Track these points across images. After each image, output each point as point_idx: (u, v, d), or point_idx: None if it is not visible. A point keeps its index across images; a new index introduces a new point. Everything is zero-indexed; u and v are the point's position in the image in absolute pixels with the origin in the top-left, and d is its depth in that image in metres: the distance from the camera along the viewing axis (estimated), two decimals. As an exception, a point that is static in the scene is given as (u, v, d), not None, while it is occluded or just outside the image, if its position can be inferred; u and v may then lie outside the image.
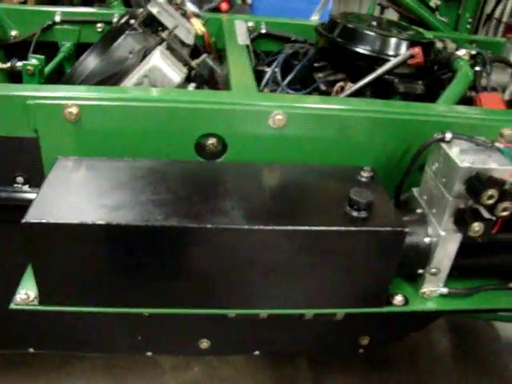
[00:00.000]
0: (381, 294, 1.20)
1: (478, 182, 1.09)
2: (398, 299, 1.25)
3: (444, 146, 1.17)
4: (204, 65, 1.76)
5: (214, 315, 1.42)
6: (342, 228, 1.06)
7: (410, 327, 1.73)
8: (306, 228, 1.05)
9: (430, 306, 1.27)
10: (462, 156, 1.13)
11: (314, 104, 1.31)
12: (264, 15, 2.23)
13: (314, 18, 2.41)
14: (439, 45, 1.89)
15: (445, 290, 1.27)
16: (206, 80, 1.76)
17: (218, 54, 1.95)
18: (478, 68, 1.72)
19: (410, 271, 1.27)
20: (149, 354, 1.73)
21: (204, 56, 1.58)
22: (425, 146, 1.19)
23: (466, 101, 1.69)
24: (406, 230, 1.09)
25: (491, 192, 1.07)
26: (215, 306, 1.20)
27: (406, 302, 1.25)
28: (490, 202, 1.08)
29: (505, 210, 1.10)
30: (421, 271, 1.24)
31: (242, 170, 1.23)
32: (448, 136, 1.17)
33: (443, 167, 1.17)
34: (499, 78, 1.85)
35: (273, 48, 2.04)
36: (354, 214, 1.09)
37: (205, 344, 1.64)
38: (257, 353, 1.69)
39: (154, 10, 1.57)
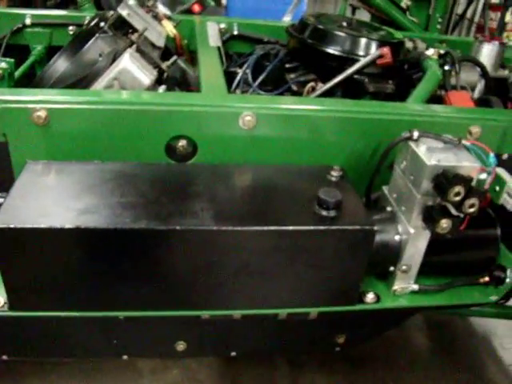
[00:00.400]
0: (352, 292, 1.21)
1: (444, 180, 1.10)
2: (370, 297, 1.26)
3: (412, 144, 1.18)
4: (176, 67, 1.76)
5: (187, 317, 1.41)
6: (311, 227, 1.07)
7: (385, 324, 1.74)
8: (276, 228, 1.06)
9: (402, 302, 1.29)
10: (429, 154, 1.14)
11: (283, 104, 1.31)
12: (238, 17, 2.23)
13: (287, 19, 2.41)
14: (409, 44, 1.92)
15: (416, 287, 1.28)
16: (179, 82, 1.76)
17: (191, 56, 1.95)
18: (447, 67, 1.74)
19: (381, 269, 1.28)
20: (125, 357, 1.72)
21: (174, 58, 1.58)
22: (393, 144, 1.21)
23: (435, 99, 1.72)
24: (375, 228, 1.10)
25: (458, 189, 1.09)
26: (188, 308, 1.20)
27: (378, 299, 1.27)
28: (457, 198, 1.10)
29: (472, 206, 1.12)
30: (392, 269, 1.26)
31: (212, 172, 1.23)
32: (415, 134, 1.18)
33: (411, 165, 1.18)
34: (468, 76, 1.88)
35: (245, 49, 2.04)
36: (324, 213, 1.09)
37: (181, 346, 1.64)
38: (234, 354, 1.69)
39: (124, 13, 1.57)
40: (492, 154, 1.17)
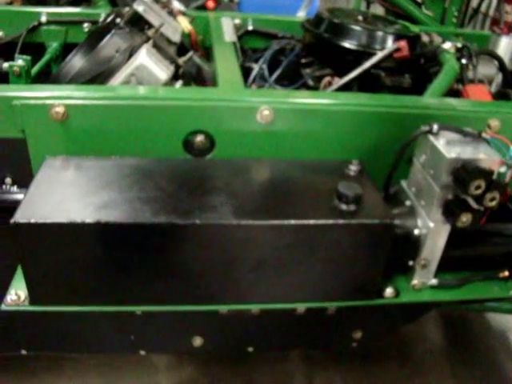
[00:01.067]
0: (371, 287, 1.20)
1: (465, 173, 1.09)
2: (389, 291, 1.25)
3: (431, 137, 1.17)
4: (191, 62, 1.76)
5: (205, 312, 1.41)
6: (331, 221, 1.06)
7: (402, 319, 1.73)
8: (295, 222, 1.05)
9: (421, 297, 1.28)
10: (449, 147, 1.13)
11: (301, 99, 1.31)
12: (251, 12, 2.23)
13: (301, 15, 2.41)
14: (425, 38, 1.90)
15: (435, 282, 1.27)
16: (194, 77, 1.76)
17: (206, 52, 1.95)
18: (464, 61, 1.73)
19: (400, 263, 1.27)
20: (142, 352, 1.72)
21: (191, 53, 1.58)
22: (412, 138, 1.20)
23: (453, 93, 1.70)
24: (395, 222, 1.09)
25: (478, 182, 1.07)
26: (207, 303, 1.21)
27: (397, 294, 1.26)
28: (478, 192, 1.09)
29: (492, 199, 1.11)
30: (411, 263, 1.25)
31: (230, 166, 1.23)
32: (435, 128, 1.17)
33: (430, 159, 1.17)
34: (486, 70, 1.86)
35: (260, 45, 2.04)
36: (343, 207, 1.09)
37: (198, 342, 1.64)
38: (250, 350, 1.69)
39: (140, 9, 1.57)
40: (512, 147, 1.16)
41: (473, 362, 2.36)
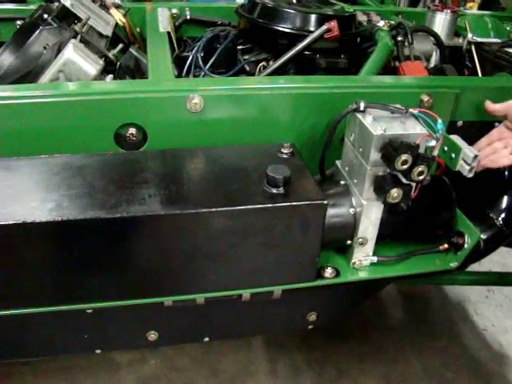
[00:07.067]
0: (310, 268, 1.21)
1: (391, 149, 1.10)
2: (329, 272, 1.26)
3: (358, 115, 1.18)
4: (129, 55, 1.74)
5: (152, 306, 1.40)
6: (260, 205, 1.06)
7: (355, 298, 1.75)
8: (225, 209, 1.05)
9: (362, 275, 1.29)
10: (376, 124, 1.14)
11: (230, 85, 1.30)
12: (192, 1, 2.20)
13: (240, 0, 2.38)
14: (363, 18, 1.91)
15: (374, 259, 1.28)
16: (133, 71, 1.73)
17: (144, 44, 1.92)
18: (399, 38, 1.74)
19: (338, 243, 1.28)
20: (98, 351, 1.71)
21: (121, 46, 1.55)
22: (340, 117, 1.20)
23: (390, 71, 1.72)
24: (325, 202, 1.09)
25: (405, 157, 1.08)
26: (148, 296, 1.20)
27: (338, 274, 1.27)
28: (405, 167, 1.10)
29: (420, 173, 1.12)
30: (349, 242, 1.26)
31: (161, 158, 1.21)
32: (362, 105, 1.17)
33: (359, 137, 1.18)
34: (423, 46, 1.88)
35: (199, 33, 2.02)
36: (273, 190, 1.09)
37: (153, 336, 1.63)
38: (206, 339, 1.69)
39: (67, 3, 1.53)
40: (440, 121, 1.16)
41: (433, 335, 2.40)
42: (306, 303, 1.66)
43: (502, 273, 2.35)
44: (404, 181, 1.14)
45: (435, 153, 1.15)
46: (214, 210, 1.05)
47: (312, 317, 1.69)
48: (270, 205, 1.06)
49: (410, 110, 1.19)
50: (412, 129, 1.14)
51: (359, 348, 2.31)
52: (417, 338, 2.37)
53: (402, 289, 2.62)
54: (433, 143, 1.16)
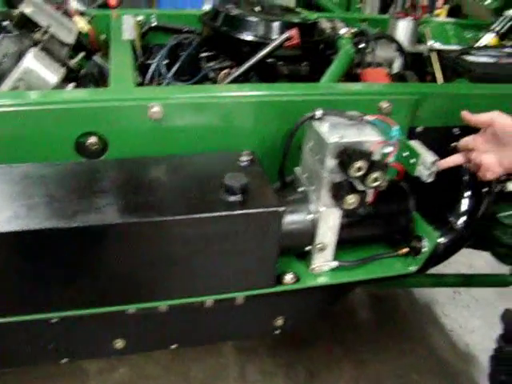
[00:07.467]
0: (269, 274, 1.22)
1: (346, 156, 1.12)
2: (289, 277, 1.27)
3: (315, 123, 1.20)
4: (93, 63, 1.73)
5: (116, 314, 1.40)
6: (217, 213, 1.07)
7: (321, 303, 1.77)
8: (181, 217, 1.06)
9: (321, 280, 1.31)
10: (331, 132, 1.16)
11: (190, 93, 1.31)
12: (170, 7, 2.20)
13: (206, 8, 2.40)
14: (327, 25, 1.93)
15: (334, 264, 1.30)
16: (96, 79, 1.73)
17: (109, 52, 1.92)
18: (362, 45, 1.77)
19: (298, 249, 1.30)
20: (64, 361, 1.69)
21: (82, 54, 1.55)
22: (296, 125, 1.22)
23: (353, 78, 1.74)
24: (282, 209, 1.11)
25: (359, 164, 1.11)
26: (110, 304, 1.20)
27: (297, 279, 1.28)
28: (359, 173, 1.12)
29: (375, 180, 1.14)
30: (308, 248, 1.28)
31: (119, 167, 1.22)
32: (318, 113, 1.20)
33: (316, 144, 1.20)
34: (386, 53, 1.91)
35: (166, 41, 2.02)
36: (230, 198, 1.10)
37: (119, 344, 1.63)
38: (174, 346, 1.69)
39: (28, 10, 1.52)
40: (396, 127, 1.19)
41: (401, 337, 2.44)
42: (270, 308, 1.67)
43: (468, 274, 2.39)
44: (360, 187, 1.16)
45: (390, 159, 1.17)
46: (170, 218, 1.05)
47: (279, 322, 1.70)
48: (226, 212, 1.07)
49: (366, 117, 1.21)
50: (367, 136, 1.16)
51: (329, 350, 2.33)
52: (386, 340, 2.40)
53: (371, 291, 2.66)
54: (389, 149, 1.19)
